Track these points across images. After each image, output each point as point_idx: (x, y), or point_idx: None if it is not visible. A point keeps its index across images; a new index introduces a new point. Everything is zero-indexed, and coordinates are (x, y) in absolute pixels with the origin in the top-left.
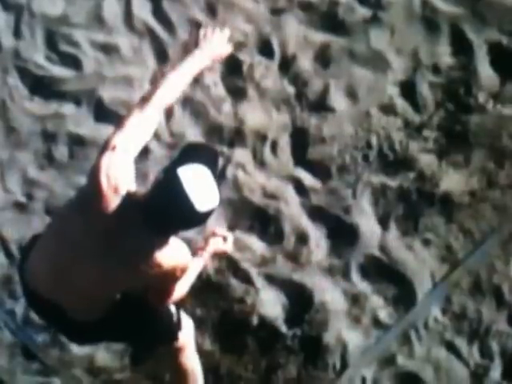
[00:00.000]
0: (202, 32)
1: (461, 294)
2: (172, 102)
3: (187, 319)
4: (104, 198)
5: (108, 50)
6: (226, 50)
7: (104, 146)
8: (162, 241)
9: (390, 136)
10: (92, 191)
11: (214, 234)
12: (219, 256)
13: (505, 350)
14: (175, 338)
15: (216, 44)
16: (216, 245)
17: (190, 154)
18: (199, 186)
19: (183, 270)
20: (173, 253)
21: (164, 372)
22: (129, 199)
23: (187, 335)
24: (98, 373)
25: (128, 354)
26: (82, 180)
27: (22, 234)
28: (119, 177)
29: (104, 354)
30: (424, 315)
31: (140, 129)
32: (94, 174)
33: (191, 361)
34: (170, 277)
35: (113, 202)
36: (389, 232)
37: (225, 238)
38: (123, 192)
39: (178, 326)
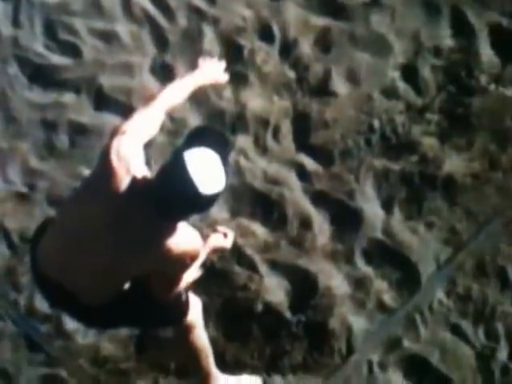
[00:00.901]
0: (201, 59)
1: (465, 277)
2: (172, 107)
3: (195, 298)
4: (115, 179)
5: (107, 37)
6: (223, 78)
7: (113, 132)
8: (170, 226)
9: (392, 119)
10: (103, 172)
11: (214, 230)
12: (219, 252)
13: (510, 332)
14: (184, 317)
15: (214, 68)
16: (216, 241)
17: (198, 137)
18: (205, 169)
19: (193, 258)
20: (182, 239)
21: (169, 360)
22: (138, 183)
23: (196, 314)
24: (103, 362)
25: (133, 343)
26: (83, 169)
27: (25, 225)
28: (130, 157)
29: (109, 344)
30: (429, 298)
31: (146, 123)
32: (104, 155)
33: (201, 339)
34: (180, 264)
35: (124, 182)
36: (392, 216)
37: (225, 235)
38: (134, 173)
39: (186, 306)
